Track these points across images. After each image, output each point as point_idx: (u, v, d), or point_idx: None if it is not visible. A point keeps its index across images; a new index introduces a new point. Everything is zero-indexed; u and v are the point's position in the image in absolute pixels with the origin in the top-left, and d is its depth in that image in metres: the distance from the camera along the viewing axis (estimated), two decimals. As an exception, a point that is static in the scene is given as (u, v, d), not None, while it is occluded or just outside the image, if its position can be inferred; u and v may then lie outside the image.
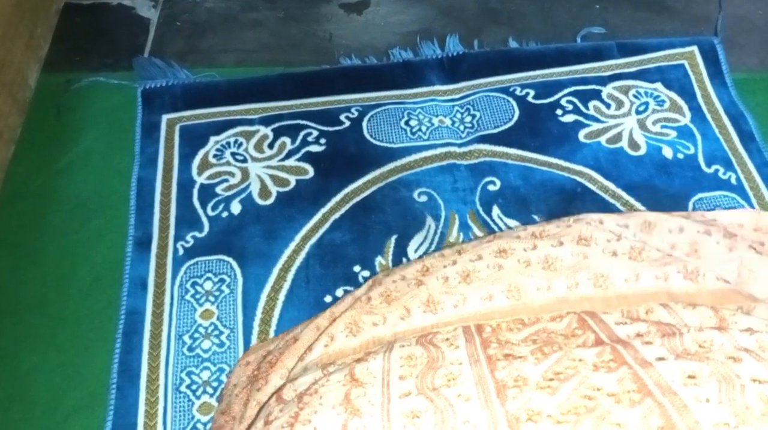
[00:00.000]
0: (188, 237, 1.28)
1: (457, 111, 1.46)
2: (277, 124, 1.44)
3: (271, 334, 1.16)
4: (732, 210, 1.17)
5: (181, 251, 1.26)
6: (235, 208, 1.32)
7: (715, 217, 1.06)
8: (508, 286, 0.88)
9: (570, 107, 1.46)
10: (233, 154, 1.40)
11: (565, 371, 0.71)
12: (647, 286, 0.87)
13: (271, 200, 1.33)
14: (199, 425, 1.07)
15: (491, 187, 1.34)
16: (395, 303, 0.90)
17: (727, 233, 0.98)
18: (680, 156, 1.38)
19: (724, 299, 0.86)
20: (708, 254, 0.93)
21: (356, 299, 0.97)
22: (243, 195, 1.34)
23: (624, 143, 1.40)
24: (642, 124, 1.43)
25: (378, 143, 1.41)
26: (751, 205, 1.31)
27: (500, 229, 1.28)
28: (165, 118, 1.46)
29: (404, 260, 1.24)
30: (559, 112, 1.45)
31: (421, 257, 0.98)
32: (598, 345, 0.76)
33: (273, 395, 0.86)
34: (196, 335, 1.17)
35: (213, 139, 1.42)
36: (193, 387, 1.11)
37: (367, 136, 1.42)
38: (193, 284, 1.22)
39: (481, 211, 1.31)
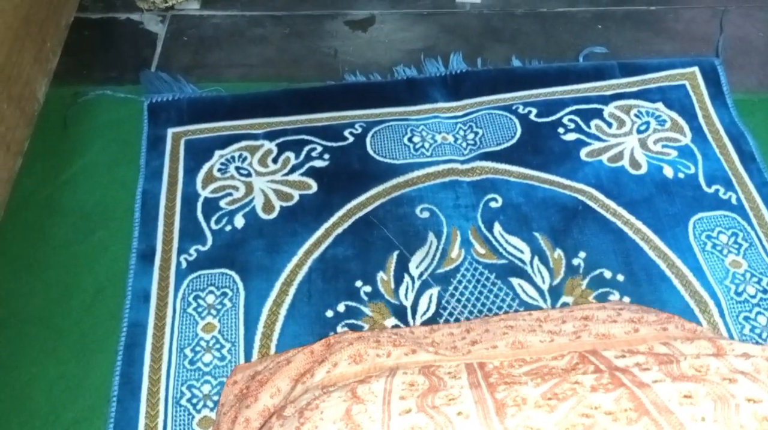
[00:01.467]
0: (191, 250, 1.29)
1: (460, 128, 1.47)
2: (281, 139, 1.45)
3: (273, 348, 1.16)
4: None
5: (184, 264, 1.27)
6: (239, 222, 1.33)
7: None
8: (513, 341, 0.90)
9: (572, 126, 1.47)
10: (237, 168, 1.41)
11: (564, 392, 0.72)
12: (647, 333, 0.89)
13: (274, 215, 1.34)
14: (199, 439, 1.08)
15: (493, 204, 1.35)
16: (401, 347, 0.91)
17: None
18: (681, 175, 1.39)
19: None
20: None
21: (359, 337, 0.98)
22: (246, 209, 1.35)
23: (625, 162, 1.41)
24: (643, 144, 1.44)
25: (381, 159, 1.42)
26: (751, 225, 1.31)
27: (502, 246, 1.29)
28: (170, 131, 1.47)
29: (406, 275, 1.25)
30: (561, 130, 1.46)
31: (431, 326, 1.02)
32: (597, 373, 0.77)
33: (274, 414, 0.86)
34: (198, 348, 1.17)
35: (218, 153, 1.43)
36: (194, 401, 1.11)
37: (371, 152, 1.43)
38: (196, 298, 1.23)
39: (483, 228, 1.31)
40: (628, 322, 0.93)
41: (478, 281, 1.24)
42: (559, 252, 1.28)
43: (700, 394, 0.68)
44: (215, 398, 1.11)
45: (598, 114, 1.49)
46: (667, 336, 0.88)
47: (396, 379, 0.80)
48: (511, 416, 0.69)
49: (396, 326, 1.18)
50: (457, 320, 1.19)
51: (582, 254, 1.27)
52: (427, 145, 1.44)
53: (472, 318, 1.19)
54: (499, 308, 1.21)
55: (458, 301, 1.22)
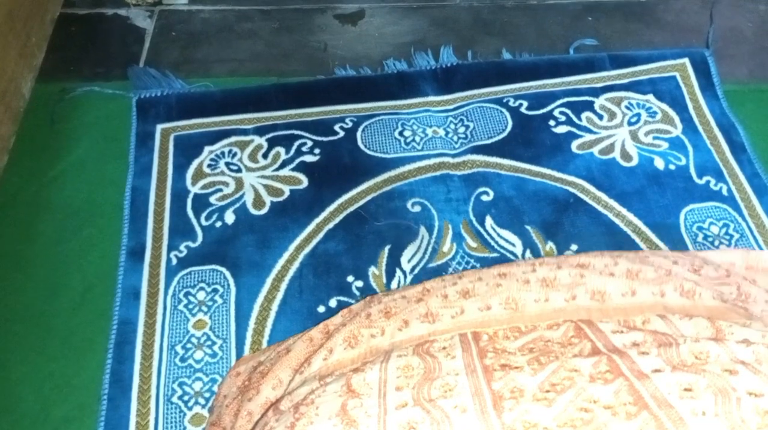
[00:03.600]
0: (182, 247, 1.28)
1: (451, 122, 1.46)
2: (271, 134, 1.44)
3: (264, 344, 1.16)
4: (722, 249, 1.19)
5: (174, 261, 1.26)
6: (229, 218, 1.32)
7: (706, 255, 1.08)
8: (506, 298, 0.88)
9: (563, 118, 1.47)
10: (227, 163, 1.40)
11: (562, 382, 0.71)
12: (644, 300, 0.88)
13: (265, 210, 1.33)
14: (191, 437, 1.07)
15: (484, 198, 1.34)
16: (394, 317, 0.90)
17: (720, 268, 0.99)
18: (672, 167, 1.39)
19: (720, 315, 0.86)
20: (705, 278, 0.94)
21: (354, 315, 0.97)
22: (237, 205, 1.34)
23: (616, 154, 1.41)
24: (634, 136, 1.44)
25: (372, 154, 1.41)
26: (742, 216, 1.32)
27: (493, 239, 1.28)
28: (159, 127, 1.46)
29: (398, 270, 1.24)
30: (552, 123, 1.46)
31: (421, 281, 1.00)
32: (595, 355, 0.76)
33: (270, 407, 0.85)
34: (189, 345, 1.16)
35: (207, 148, 1.42)
36: (185, 398, 1.11)
37: (362, 147, 1.42)
38: (186, 294, 1.22)
39: (475, 222, 1.31)
40: (626, 276, 0.91)
41: (470, 274, 1.24)
42: (550, 245, 1.28)
43: (701, 387, 0.68)
44: (207, 395, 1.10)
45: (589, 106, 1.49)
46: (665, 306, 0.87)
47: (390, 364, 0.80)
48: (509, 410, 0.69)
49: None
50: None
51: (574, 247, 1.27)
52: (418, 139, 1.43)
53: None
54: (492, 301, 1.20)
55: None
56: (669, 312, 0.85)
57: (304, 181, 1.37)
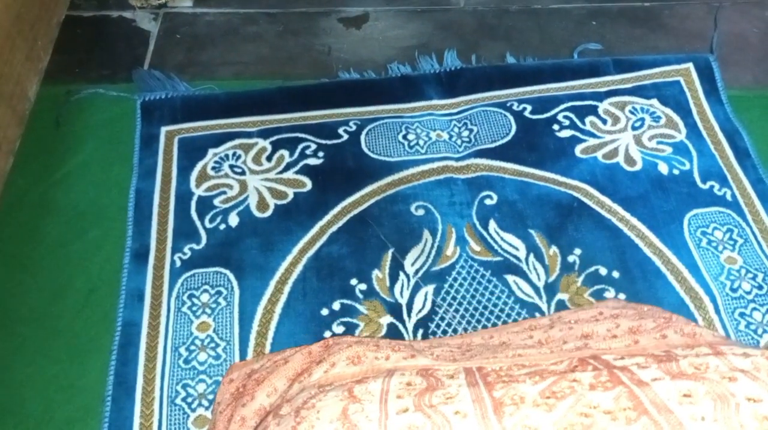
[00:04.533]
0: (186, 249, 1.28)
1: (455, 125, 1.46)
2: (275, 137, 1.45)
3: (268, 347, 1.16)
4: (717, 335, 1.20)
5: (178, 263, 1.26)
6: (233, 220, 1.32)
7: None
8: (512, 354, 0.90)
9: (567, 123, 1.47)
10: (231, 166, 1.40)
11: (563, 390, 0.72)
12: (647, 343, 0.89)
13: (268, 213, 1.33)
14: (194, 439, 1.07)
15: (488, 202, 1.35)
16: (403, 350, 0.91)
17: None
18: (676, 172, 1.39)
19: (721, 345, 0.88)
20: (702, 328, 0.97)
21: (359, 341, 0.98)
22: (241, 207, 1.34)
23: (620, 159, 1.41)
24: (638, 140, 1.44)
25: (376, 157, 1.42)
26: (746, 221, 1.31)
27: (497, 243, 1.28)
28: (164, 130, 1.46)
29: (401, 273, 1.24)
30: (555, 127, 1.46)
31: (430, 342, 1.03)
32: (596, 370, 0.77)
33: (270, 412, 0.86)
34: (193, 347, 1.16)
35: (211, 151, 1.42)
36: (189, 400, 1.11)
37: (365, 150, 1.43)
38: (190, 296, 1.22)
39: (478, 226, 1.31)
40: (628, 334, 0.93)
41: (473, 278, 1.24)
42: (554, 249, 1.28)
43: (700, 393, 0.68)
44: (210, 397, 1.11)
45: (593, 111, 1.49)
46: (667, 344, 0.88)
47: (393, 379, 0.80)
48: (510, 415, 0.69)
49: (391, 325, 1.18)
50: (453, 316, 1.19)
51: (577, 251, 1.27)
52: (421, 142, 1.44)
53: (468, 315, 1.19)
54: (495, 305, 1.20)
55: (454, 298, 1.22)
56: (672, 347, 0.87)
57: (308, 184, 1.38)
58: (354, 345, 0.94)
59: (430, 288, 1.23)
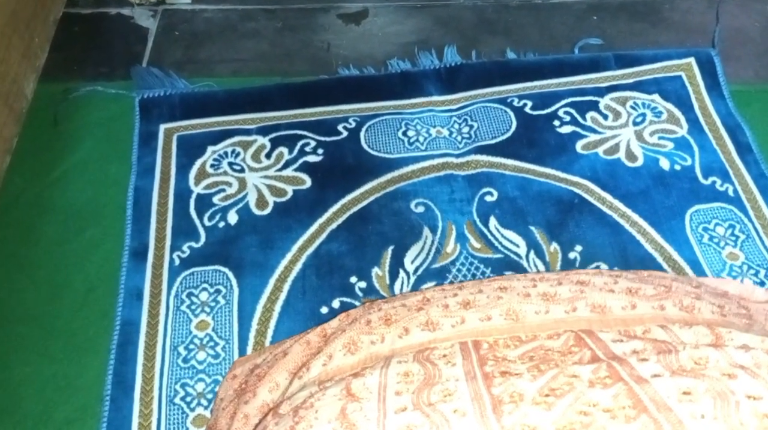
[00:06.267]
0: (184, 247, 1.27)
1: (455, 121, 1.46)
2: (274, 134, 1.44)
3: (267, 345, 1.15)
4: (716, 278, 1.19)
5: (177, 262, 1.26)
6: (232, 218, 1.31)
7: (703, 280, 1.08)
8: (507, 310, 0.89)
9: (567, 118, 1.46)
10: (230, 164, 1.40)
11: (561, 387, 0.71)
12: (644, 312, 0.88)
13: (268, 210, 1.33)
14: (193, 438, 1.07)
15: (488, 198, 1.34)
16: (394, 325, 0.90)
17: (717, 289, 1.00)
18: (677, 167, 1.38)
19: (719, 325, 0.86)
20: (705, 293, 0.95)
21: (352, 320, 0.97)
22: (240, 205, 1.33)
23: (621, 154, 1.40)
24: (639, 136, 1.43)
25: (375, 154, 1.41)
26: (748, 217, 1.31)
27: (497, 240, 1.28)
28: (162, 127, 1.45)
29: (401, 271, 1.24)
30: (556, 123, 1.45)
31: (421, 290, 1.00)
32: (594, 362, 0.76)
33: (269, 411, 0.85)
34: (191, 346, 1.16)
35: (210, 148, 1.42)
36: (188, 399, 1.10)
37: (365, 147, 1.42)
38: (189, 295, 1.22)
39: (478, 222, 1.30)
40: (626, 293, 0.91)
41: (473, 275, 1.23)
42: (555, 246, 1.27)
43: (700, 390, 0.68)
44: (209, 396, 1.10)
45: (594, 106, 1.48)
46: (665, 318, 0.87)
47: (390, 370, 0.80)
48: (509, 414, 0.68)
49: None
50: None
51: (578, 248, 1.26)
52: (421, 139, 1.43)
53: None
54: (496, 302, 1.20)
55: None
56: (669, 322, 0.86)
57: (308, 182, 1.37)
58: (347, 329, 0.93)
59: (430, 286, 1.22)
